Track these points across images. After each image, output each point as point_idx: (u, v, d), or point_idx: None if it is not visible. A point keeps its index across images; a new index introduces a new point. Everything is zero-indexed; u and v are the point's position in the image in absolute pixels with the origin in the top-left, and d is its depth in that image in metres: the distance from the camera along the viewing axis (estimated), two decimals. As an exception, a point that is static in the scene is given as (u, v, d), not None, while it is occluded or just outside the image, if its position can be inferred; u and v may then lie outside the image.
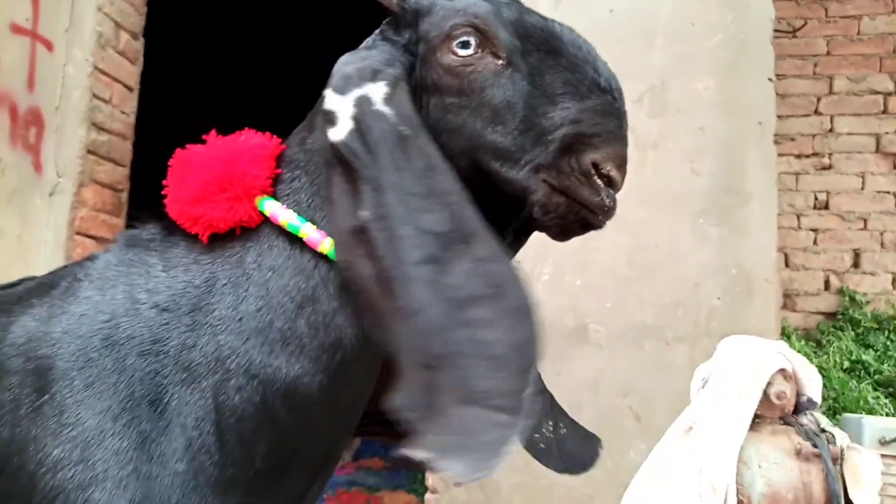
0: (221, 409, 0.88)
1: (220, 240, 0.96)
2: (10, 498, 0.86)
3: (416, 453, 0.73)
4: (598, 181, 0.94)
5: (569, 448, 1.11)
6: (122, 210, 3.08)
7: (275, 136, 1.03)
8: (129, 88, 3.12)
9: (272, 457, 0.90)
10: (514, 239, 1.02)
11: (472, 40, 0.95)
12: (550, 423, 1.11)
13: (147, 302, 0.93)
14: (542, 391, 1.13)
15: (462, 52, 0.95)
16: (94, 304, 0.93)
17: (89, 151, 2.88)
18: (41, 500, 0.84)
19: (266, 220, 0.95)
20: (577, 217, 0.96)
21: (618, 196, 1.00)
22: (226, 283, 0.93)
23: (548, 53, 0.97)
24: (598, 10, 2.67)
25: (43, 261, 2.71)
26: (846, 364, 3.27)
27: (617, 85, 0.98)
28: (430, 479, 2.69)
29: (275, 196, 0.97)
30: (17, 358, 0.90)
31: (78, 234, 2.83)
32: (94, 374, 0.88)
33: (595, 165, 0.94)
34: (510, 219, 0.98)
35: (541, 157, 0.93)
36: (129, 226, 1.06)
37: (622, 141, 0.97)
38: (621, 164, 0.97)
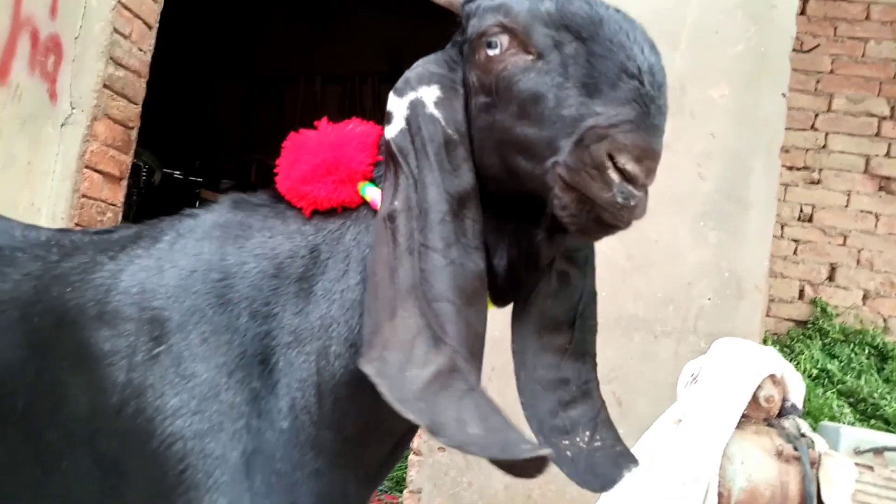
0: (322, 373, 0.94)
1: (321, 215, 1.02)
2: (128, 438, 0.91)
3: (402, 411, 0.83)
4: (613, 175, 0.86)
5: (596, 462, 1.06)
6: (131, 148, 3.07)
7: (378, 126, 1.08)
8: (149, 26, 3.09)
9: (361, 423, 0.97)
10: (546, 237, 1.00)
11: (502, 39, 0.95)
12: (587, 433, 1.08)
13: (258, 266, 0.98)
14: (585, 399, 1.10)
15: (492, 52, 0.96)
16: (205, 262, 0.98)
17: (105, 86, 2.85)
18: (159, 445, 0.89)
19: (364, 203, 1.02)
20: (591, 215, 0.89)
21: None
22: (329, 257, 0.99)
23: (584, 41, 0.92)
24: (628, 6, 2.72)
25: (49, 191, 2.70)
26: (814, 372, 3.43)
27: (651, 69, 0.89)
28: (416, 442, 2.78)
29: (374, 181, 1.03)
30: (132, 307, 0.95)
31: (87, 167, 2.82)
32: (209, 330, 0.94)
33: (611, 158, 0.86)
34: (540, 218, 0.96)
35: (561, 152, 0.89)
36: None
37: (646, 131, 0.87)
38: (642, 157, 0.86)
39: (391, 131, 0.99)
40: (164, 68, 3.57)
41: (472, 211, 0.97)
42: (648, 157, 0.87)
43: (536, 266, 1.03)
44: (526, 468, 0.84)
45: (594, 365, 1.13)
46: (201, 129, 6.42)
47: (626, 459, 1.07)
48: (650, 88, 0.88)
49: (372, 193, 1.01)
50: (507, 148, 0.96)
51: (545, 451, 0.82)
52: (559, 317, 1.08)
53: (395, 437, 1.05)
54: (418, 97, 0.99)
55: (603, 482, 1.04)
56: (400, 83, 1.02)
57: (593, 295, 1.14)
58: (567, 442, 1.05)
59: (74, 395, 0.95)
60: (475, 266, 0.95)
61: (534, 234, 0.99)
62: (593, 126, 0.86)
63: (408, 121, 0.98)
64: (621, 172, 0.86)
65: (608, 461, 1.06)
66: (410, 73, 1.02)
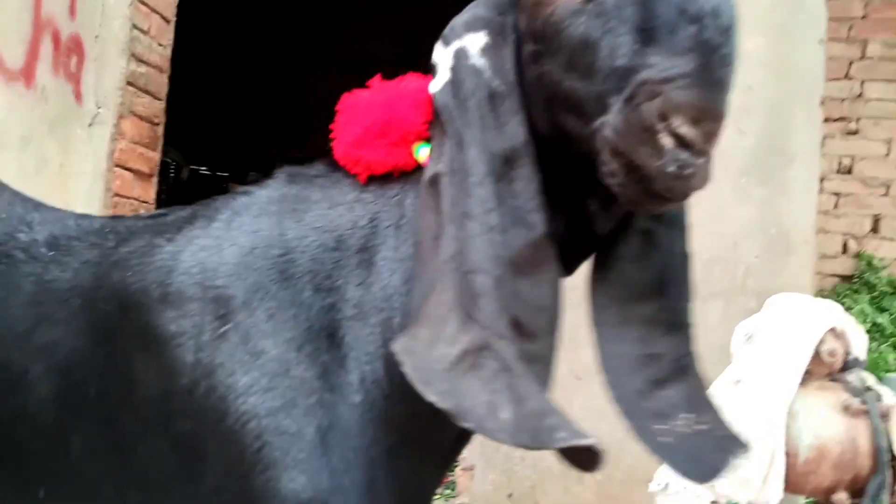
0: (388, 345, 0.90)
1: (380, 180, 0.98)
2: (203, 418, 0.89)
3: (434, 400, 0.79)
4: (665, 140, 0.75)
5: (699, 448, 0.93)
6: (158, 144, 3.06)
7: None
8: (167, 20, 3.07)
9: None
10: (600, 207, 0.92)
11: None
12: (687, 415, 0.94)
13: (318, 239, 0.95)
14: (681, 377, 0.96)
15: None
16: (264, 239, 0.95)
17: (128, 83, 2.84)
18: (234, 423, 0.87)
19: (420, 165, 0.96)
20: (640, 185, 0.79)
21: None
22: (388, 225, 0.95)
23: None
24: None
25: (82, 192, 2.70)
26: (864, 327, 3.34)
27: (716, 10, 0.76)
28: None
29: (430, 141, 0.96)
30: (195, 286, 0.93)
31: (117, 166, 2.81)
32: (273, 306, 0.91)
33: (664, 119, 0.75)
34: (593, 186, 0.87)
35: (610, 110, 0.79)
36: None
37: (706, 86, 0.75)
38: (700, 118, 0.75)
39: (435, 86, 0.94)
40: (182, 63, 3.56)
41: (523, 170, 0.89)
42: (708, 117, 0.75)
43: (593, 237, 0.97)
44: (578, 459, 0.78)
45: (690, 337, 0.99)
46: (222, 123, 6.42)
47: (733, 444, 0.93)
48: (713, 34, 0.75)
49: (426, 155, 0.96)
50: (555, 104, 0.88)
51: (585, 441, 0.76)
52: (645, 283, 0.97)
53: None
54: (463, 46, 0.92)
55: (707, 471, 0.93)
56: (446, 30, 0.96)
57: (685, 256, 1.02)
58: (663, 427, 0.93)
59: (145, 379, 0.94)
60: (529, 231, 0.87)
61: (587, 202, 0.93)
62: (645, 81, 0.76)
63: (452, 72, 0.92)
64: (675, 136, 0.75)
65: (713, 447, 0.93)
66: (458, 20, 0.95)
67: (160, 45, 3.03)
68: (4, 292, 1.04)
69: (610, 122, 0.79)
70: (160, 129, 3.07)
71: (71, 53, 2.65)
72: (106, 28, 2.76)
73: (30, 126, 2.44)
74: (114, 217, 1.15)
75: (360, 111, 0.99)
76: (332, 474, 0.87)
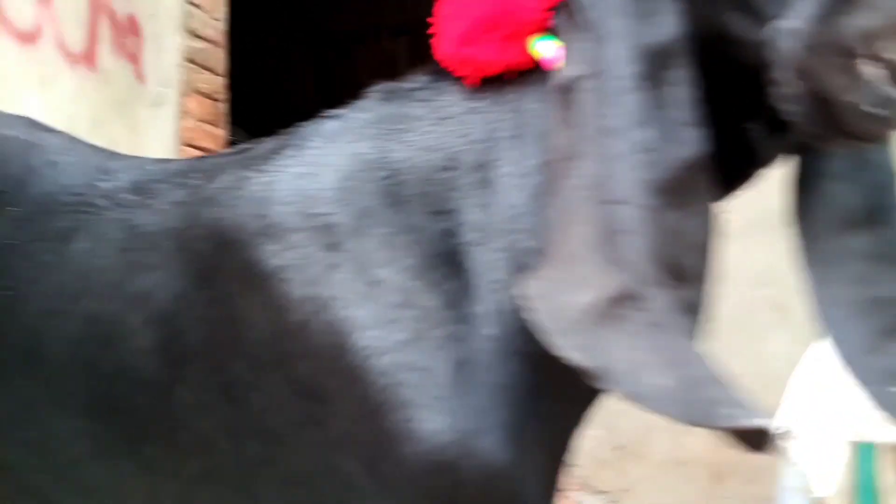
0: (518, 272, 0.79)
1: (494, 84, 0.85)
2: (321, 357, 0.80)
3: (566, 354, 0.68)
4: (867, 69, 0.62)
5: None
6: (222, 120, 3.02)
7: None
8: (219, -7, 3.01)
9: None
10: (765, 134, 0.79)
11: None
12: None
13: (427, 160, 0.85)
14: None
15: None
16: (366, 162, 0.85)
17: (187, 59, 2.80)
18: (355, 360, 0.78)
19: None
20: (824, 120, 0.66)
21: None
22: (507, 136, 0.83)
23: None
24: None
25: (153, 174, 2.67)
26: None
27: None
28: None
29: (552, 33, 0.83)
30: (295, 216, 0.84)
31: (184, 145, 2.78)
32: (386, 232, 0.82)
33: (866, 41, 0.61)
34: (758, 107, 0.74)
35: (792, 17, 0.65)
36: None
37: None
38: None
39: None
40: (237, 38, 3.50)
41: (679, 72, 0.74)
42: None
43: (752, 165, 0.83)
44: (745, 437, 0.64)
45: None
46: (282, 98, 6.41)
47: None
48: None
49: (545, 49, 0.82)
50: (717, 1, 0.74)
51: (754, 421, 0.63)
52: (858, 207, 0.81)
53: None
54: None
55: None
56: None
57: None
58: None
59: (252, 320, 0.84)
60: (685, 150, 0.73)
61: (748, 126, 0.79)
62: None
63: None
64: (881, 64, 0.61)
65: None
66: None
67: (214, 18, 2.97)
68: (91, 242, 0.97)
69: (792, 30, 0.64)
70: (222, 106, 3.03)
71: (128, 34, 2.61)
72: (160, 5, 2.72)
73: (97, 109, 2.42)
74: (195, 158, 1.06)
75: (467, 2, 0.86)
76: (474, 414, 0.77)
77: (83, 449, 0.96)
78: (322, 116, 0.94)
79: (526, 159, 0.82)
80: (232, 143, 3.22)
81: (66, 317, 0.95)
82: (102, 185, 1.03)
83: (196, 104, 2.83)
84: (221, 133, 2.99)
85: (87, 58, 2.42)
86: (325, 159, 0.87)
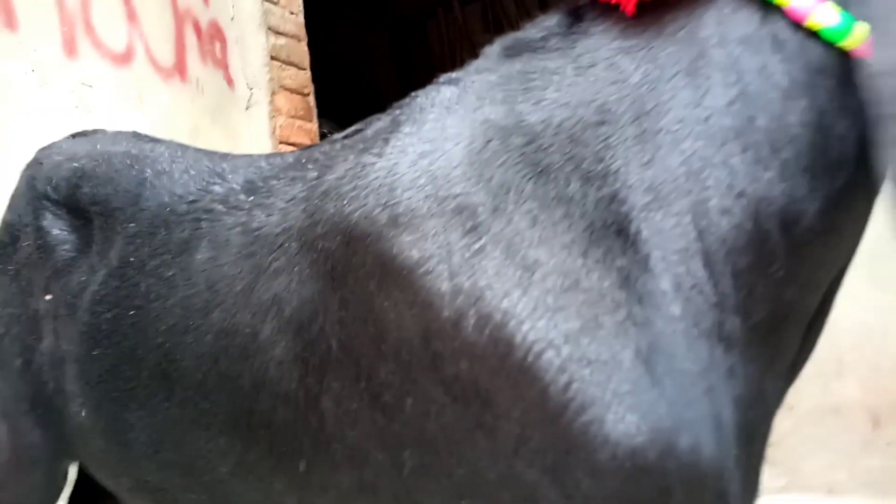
0: (706, 237, 0.68)
1: (652, 13, 0.73)
2: (480, 356, 0.71)
3: None
4: None
5: None
6: (313, 114, 3.01)
7: None
8: (293, -13, 3.00)
9: (770, 305, 0.70)
10: None
11: None
12: None
13: (571, 117, 0.73)
14: None
15: None
16: (498, 129, 0.75)
17: (272, 58, 2.80)
18: (523, 357, 0.68)
19: None
20: None
21: None
22: (676, 73, 0.70)
23: None
24: None
25: (254, 176, 2.70)
26: None
27: None
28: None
29: None
30: (427, 201, 0.75)
31: (280, 143, 2.79)
32: (534, 206, 0.71)
33: None
34: None
35: None
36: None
37: None
38: None
39: None
40: (313, 31, 3.49)
41: None
42: None
43: None
44: None
45: None
46: (361, 84, 6.41)
47: None
48: None
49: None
50: None
51: None
52: None
53: (808, 319, 0.76)
54: None
55: None
56: None
57: None
58: None
59: (396, 319, 0.75)
60: None
61: None
62: None
63: None
64: None
65: None
66: None
67: (292, 13, 2.96)
68: (213, 251, 0.94)
69: None
70: (311, 100, 3.02)
71: (213, 40, 2.63)
72: (239, 8, 2.72)
73: (193, 119, 2.45)
74: (304, 149, 1.00)
75: None
76: (669, 407, 0.65)
77: (228, 468, 0.93)
78: (434, 84, 0.86)
79: (708, 96, 0.69)
80: (323, 135, 3.23)
81: (198, 332, 0.92)
82: (216, 188, 1.00)
83: (285, 101, 2.83)
84: (313, 126, 2.99)
85: (179, 70, 2.44)
86: (448, 132, 0.78)
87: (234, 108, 2.65)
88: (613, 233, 0.69)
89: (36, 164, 1.22)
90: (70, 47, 2.08)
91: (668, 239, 0.69)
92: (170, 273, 0.98)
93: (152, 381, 0.98)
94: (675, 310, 0.68)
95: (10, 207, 1.22)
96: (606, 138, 0.71)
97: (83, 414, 1.07)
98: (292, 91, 2.88)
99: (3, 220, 1.23)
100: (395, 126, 0.84)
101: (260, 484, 0.91)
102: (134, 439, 1.02)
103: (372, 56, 6.56)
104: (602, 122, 0.72)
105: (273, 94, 2.77)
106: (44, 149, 1.25)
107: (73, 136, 1.29)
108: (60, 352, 1.10)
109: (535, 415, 0.68)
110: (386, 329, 0.77)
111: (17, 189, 1.22)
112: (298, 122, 2.89)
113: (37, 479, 1.18)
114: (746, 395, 0.70)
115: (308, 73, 3.00)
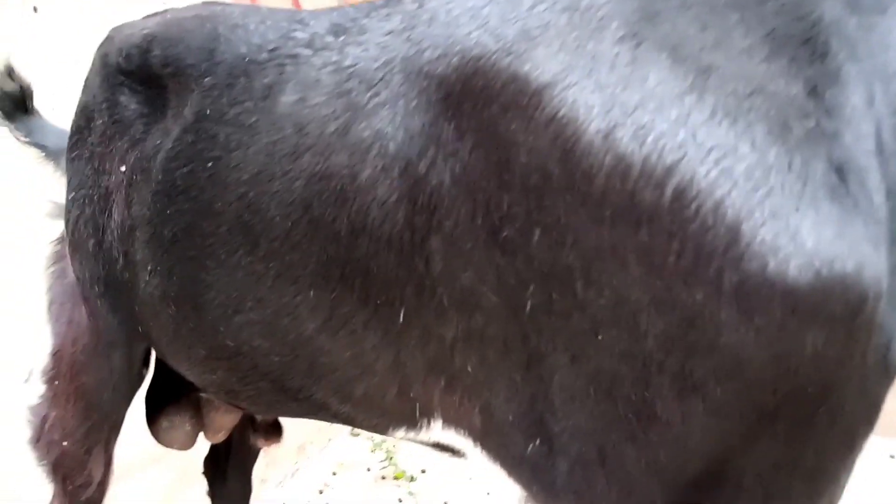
0: None
1: None
2: (624, 173, 0.62)
3: None
4: None
5: None
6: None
7: None
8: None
9: None
10: None
11: None
12: None
13: None
14: None
15: None
16: None
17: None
18: (680, 170, 0.60)
19: None
20: None
21: None
22: None
23: None
24: None
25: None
26: None
27: None
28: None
29: None
30: (565, 13, 0.68)
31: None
32: (702, 12, 0.63)
33: None
34: None
35: None
36: None
37: None
38: None
39: None
40: None
41: None
42: None
43: None
44: None
45: None
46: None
47: None
48: None
49: None
50: None
51: None
52: None
53: None
54: None
55: None
56: None
57: None
58: None
59: (526, 142, 0.67)
60: None
61: None
62: None
63: None
64: None
65: None
66: None
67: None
68: (300, 92, 0.86)
69: None
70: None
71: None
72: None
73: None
74: None
75: None
76: (865, 224, 0.58)
77: (317, 323, 0.85)
78: None
79: None
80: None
81: (285, 179, 0.85)
82: (298, 35, 0.92)
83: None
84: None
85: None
86: None
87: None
88: (800, 42, 0.61)
89: (108, 40, 1.18)
90: None
91: (873, 50, 0.61)
92: (252, 119, 0.90)
93: (232, 236, 0.90)
94: (867, 127, 0.60)
95: (85, 88, 1.19)
96: None
97: (155, 282, 1.02)
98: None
99: (79, 104, 1.20)
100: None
101: (351, 339, 0.83)
102: (210, 301, 0.95)
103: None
104: None
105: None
106: (116, 27, 1.21)
107: (146, 17, 1.25)
108: (130, 219, 1.05)
109: (711, 230, 0.59)
110: (512, 155, 0.68)
111: (90, 70, 1.19)
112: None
113: (115, 362, 1.14)
114: None
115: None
